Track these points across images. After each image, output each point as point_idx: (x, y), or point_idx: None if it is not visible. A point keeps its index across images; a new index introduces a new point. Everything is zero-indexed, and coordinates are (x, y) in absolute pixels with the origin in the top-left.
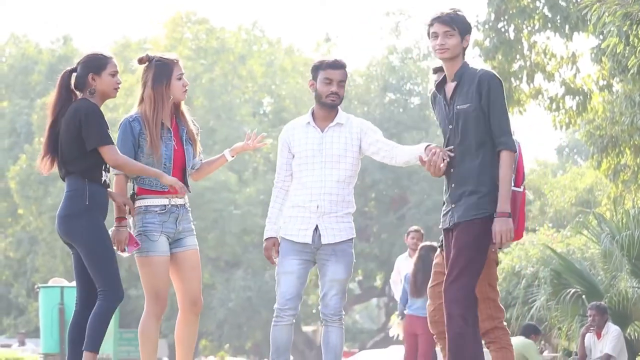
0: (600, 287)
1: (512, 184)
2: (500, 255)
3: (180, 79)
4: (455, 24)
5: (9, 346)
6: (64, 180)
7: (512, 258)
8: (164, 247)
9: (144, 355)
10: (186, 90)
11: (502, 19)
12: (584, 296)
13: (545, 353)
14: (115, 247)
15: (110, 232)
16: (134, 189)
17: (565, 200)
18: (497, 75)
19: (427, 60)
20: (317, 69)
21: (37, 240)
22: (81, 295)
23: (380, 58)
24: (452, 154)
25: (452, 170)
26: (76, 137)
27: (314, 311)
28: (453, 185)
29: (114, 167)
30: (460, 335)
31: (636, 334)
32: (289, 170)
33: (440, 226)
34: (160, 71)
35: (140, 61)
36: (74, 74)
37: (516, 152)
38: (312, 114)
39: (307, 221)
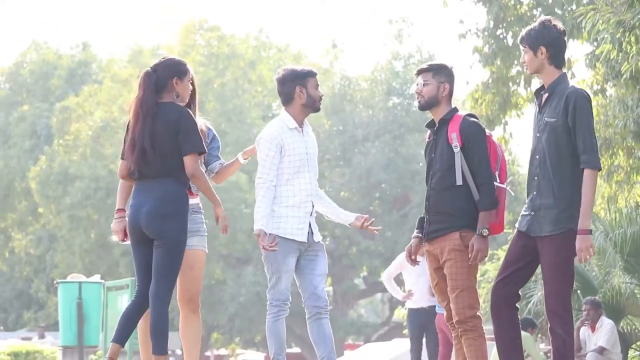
0: (594, 282)
1: (497, 181)
2: (499, 251)
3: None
4: (528, 41)
5: (29, 339)
6: (152, 179)
7: None
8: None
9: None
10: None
11: (500, 26)
12: (578, 291)
13: (542, 346)
14: (116, 236)
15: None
16: None
17: None
18: (585, 93)
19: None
20: (305, 77)
21: (56, 237)
22: (142, 291)
23: (384, 63)
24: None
25: (535, 178)
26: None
27: None
28: (535, 193)
29: (191, 176)
30: (564, 347)
31: (629, 328)
32: (276, 170)
33: (516, 225)
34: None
35: None
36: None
37: (601, 169)
38: (293, 118)
39: (303, 220)
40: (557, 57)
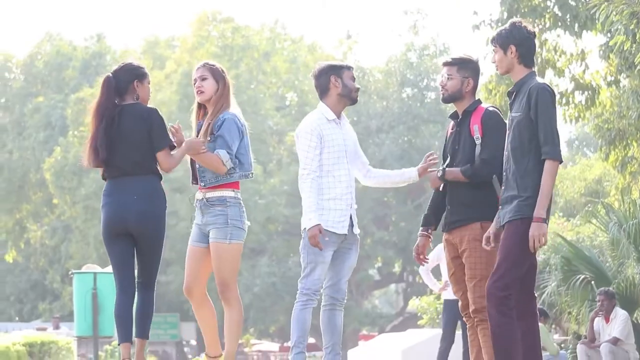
0: (608, 273)
1: None
2: None
3: (195, 82)
4: (498, 41)
5: (44, 329)
6: (130, 176)
7: None
8: (192, 237)
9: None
10: (198, 92)
11: (514, 17)
12: (593, 282)
13: (556, 336)
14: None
15: None
16: None
17: (575, 190)
18: (548, 87)
19: (443, 56)
20: (341, 68)
21: (71, 228)
22: (126, 283)
23: (398, 55)
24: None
25: (504, 173)
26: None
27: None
28: (504, 187)
29: (167, 170)
30: (498, 326)
31: None
32: (318, 161)
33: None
34: None
35: None
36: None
37: (561, 161)
38: (331, 109)
39: (344, 213)
40: (526, 57)
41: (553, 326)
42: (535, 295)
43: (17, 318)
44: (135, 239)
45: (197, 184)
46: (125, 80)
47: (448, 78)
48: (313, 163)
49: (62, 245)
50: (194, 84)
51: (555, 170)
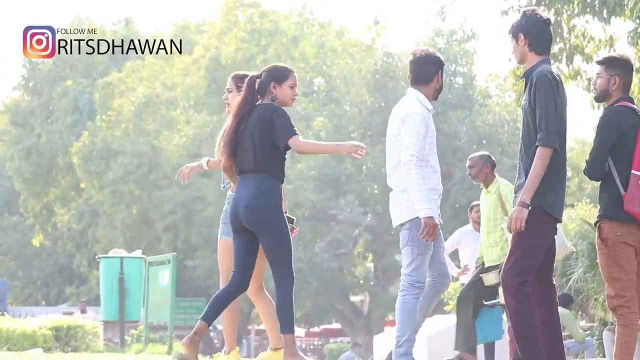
0: None
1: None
2: None
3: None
4: (511, 31)
5: (71, 314)
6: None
7: None
8: (225, 231)
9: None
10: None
11: (543, 3)
12: None
13: (582, 323)
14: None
15: None
16: None
17: None
18: (547, 74)
19: (470, 42)
20: (439, 62)
21: (99, 212)
22: (236, 278)
23: (426, 40)
24: None
25: (518, 162)
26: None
27: (361, 282)
28: (517, 176)
29: (301, 152)
30: (516, 314)
31: None
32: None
33: None
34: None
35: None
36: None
37: (552, 147)
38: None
39: (438, 203)
40: (537, 44)
41: (579, 313)
42: (555, 282)
43: (43, 302)
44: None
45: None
46: (264, 82)
47: (597, 77)
48: (420, 151)
49: (89, 230)
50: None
51: (546, 157)
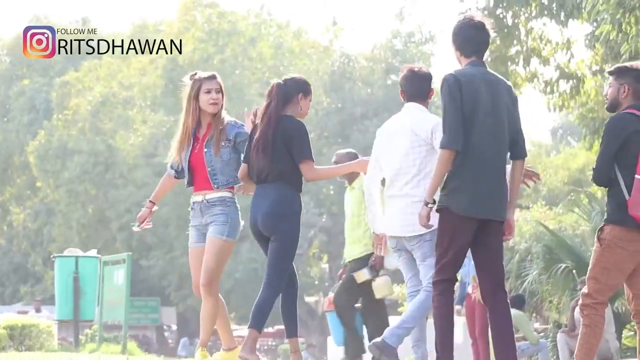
0: (590, 262)
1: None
2: None
3: (208, 92)
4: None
5: (25, 313)
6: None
7: None
8: (191, 240)
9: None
10: (214, 103)
11: (500, 5)
12: (574, 271)
13: (537, 325)
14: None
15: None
16: None
17: (558, 179)
18: (448, 77)
19: (428, 44)
20: (431, 78)
21: (54, 211)
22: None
23: (384, 42)
24: None
25: None
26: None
27: (316, 282)
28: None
29: (310, 180)
30: (436, 308)
31: (623, 308)
32: None
33: None
34: (192, 87)
35: (190, 78)
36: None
37: (454, 149)
38: None
39: None
40: (464, 47)
41: (534, 314)
42: (503, 285)
43: None
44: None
45: (191, 186)
46: (291, 91)
47: (609, 87)
48: None
49: (44, 229)
50: (208, 93)
51: (444, 158)
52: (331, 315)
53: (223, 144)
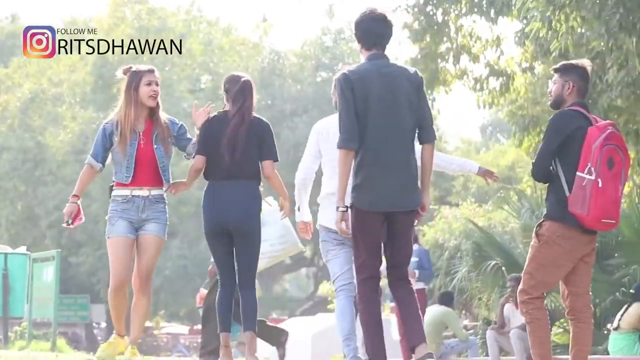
0: (519, 259)
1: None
2: (425, 227)
3: (149, 84)
4: None
5: None
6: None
7: (436, 231)
8: (120, 229)
9: (113, 321)
10: (154, 95)
11: (430, 2)
12: (503, 268)
13: (466, 322)
14: (65, 217)
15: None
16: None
17: None
18: (340, 76)
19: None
20: None
21: None
22: (227, 281)
23: (313, 38)
24: None
25: None
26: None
27: None
28: None
29: (268, 177)
30: (360, 306)
31: (553, 305)
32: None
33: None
34: (131, 78)
35: (124, 72)
36: None
37: (350, 148)
38: None
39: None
40: (363, 39)
41: (463, 312)
42: (356, 275)
43: None
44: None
45: (129, 181)
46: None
47: (553, 84)
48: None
49: None
50: (148, 85)
51: (342, 158)
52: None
53: (170, 140)
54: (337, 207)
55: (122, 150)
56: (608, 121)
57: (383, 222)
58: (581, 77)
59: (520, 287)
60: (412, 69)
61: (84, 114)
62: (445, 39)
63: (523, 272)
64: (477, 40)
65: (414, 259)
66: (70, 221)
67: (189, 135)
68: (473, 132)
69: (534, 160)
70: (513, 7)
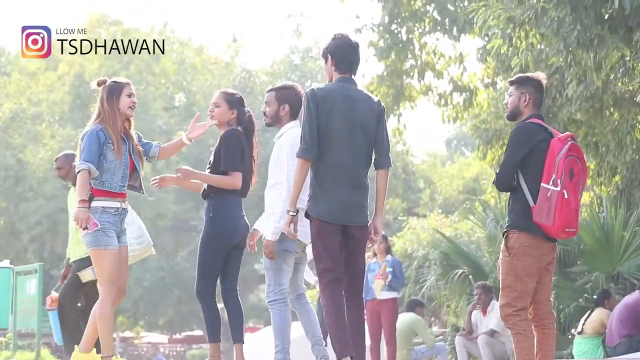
0: (485, 268)
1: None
2: (394, 238)
3: (130, 96)
4: (322, 53)
5: None
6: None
7: (405, 242)
8: (115, 242)
9: (102, 335)
10: (133, 106)
11: (395, 21)
12: (470, 276)
13: (435, 328)
14: (77, 224)
15: (74, 212)
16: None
17: (454, 188)
18: (309, 91)
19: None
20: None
21: None
22: (214, 291)
23: (282, 57)
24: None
25: None
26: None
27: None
28: None
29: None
30: (324, 309)
31: None
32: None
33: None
34: (112, 90)
35: (98, 84)
36: None
37: (307, 159)
38: None
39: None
40: (339, 64)
41: (432, 319)
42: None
43: None
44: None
45: (122, 191)
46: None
47: (509, 96)
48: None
49: None
50: (129, 96)
51: (299, 167)
52: (52, 314)
53: (140, 151)
54: (288, 211)
55: (119, 158)
56: (568, 133)
57: (339, 234)
58: (537, 89)
59: (501, 302)
60: (375, 98)
61: (62, 132)
62: (410, 56)
63: (501, 287)
64: (441, 57)
65: (388, 269)
66: (88, 226)
67: (145, 140)
68: (438, 145)
69: (497, 171)
70: (475, 25)
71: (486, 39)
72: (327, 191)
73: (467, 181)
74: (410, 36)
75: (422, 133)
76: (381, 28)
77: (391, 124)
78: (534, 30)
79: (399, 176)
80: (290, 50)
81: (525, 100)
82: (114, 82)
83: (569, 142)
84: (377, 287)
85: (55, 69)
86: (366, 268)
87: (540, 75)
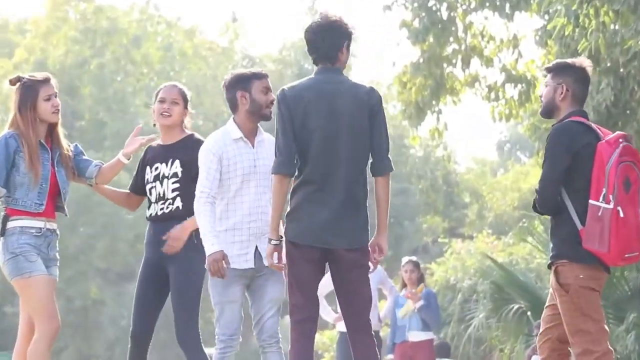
0: None
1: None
2: (432, 265)
3: (48, 99)
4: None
5: None
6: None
7: (447, 269)
8: (42, 267)
9: None
10: (56, 111)
11: None
12: (529, 312)
13: None
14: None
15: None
16: (4, 210)
17: (507, 203)
18: (280, 92)
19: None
20: (249, 79)
21: None
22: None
23: (294, 40)
24: None
25: None
26: None
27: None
28: None
29: None
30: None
31: None
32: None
33: None
34: (25, 94)
35: (11, 82)
36: None
37: (284, 174)
38: (239, 127)
39: (246, 245)
40: (314, 54)
41: None
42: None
43: None
44: None
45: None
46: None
47: (545, 85)
48: (213, 185)
49: None
50: (48, 100)
51: (275, 185)
52: None
53: (70, 163)
54: (270, 240)
55: (35, 171)
56: (618, 132)
57: (318, 261)
58: (578, 80)
59: (577, 351)
60: (366, 87)
61: None
62: (451, 39)
63: (570, 334)
64: (490, 40)
65: (419, 304)
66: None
67: (86, 156)
68: (488, 150)
69: (536, 189)
70: (532, 1)
71: (546, 17)
72: (299, 210)
73: (524, 194)
74: (452, 14)
75: (467, 134)
76: (416, 5)
77: (429, 123)
78: (606, 6)
79: (439, 188)
80: (303, 31)
81: (562, 93)
82: (29, 80)
83: (621, 145)
84: (402, 313)
85: (10, 55)
86: (393, 302)
87: (585, 62)
